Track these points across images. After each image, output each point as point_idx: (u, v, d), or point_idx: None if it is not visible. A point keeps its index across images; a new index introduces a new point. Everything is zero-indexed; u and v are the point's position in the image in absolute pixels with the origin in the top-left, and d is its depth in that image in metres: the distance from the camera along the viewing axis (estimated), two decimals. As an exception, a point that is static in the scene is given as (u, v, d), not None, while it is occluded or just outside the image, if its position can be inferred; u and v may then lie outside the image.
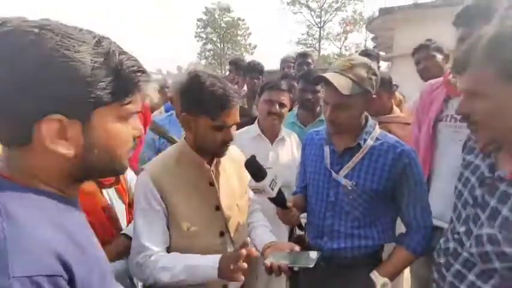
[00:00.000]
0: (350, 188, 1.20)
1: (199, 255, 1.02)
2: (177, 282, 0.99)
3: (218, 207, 1.13)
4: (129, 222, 1.25)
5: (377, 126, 1.26)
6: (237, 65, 3.32)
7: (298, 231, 1.66)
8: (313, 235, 1.33)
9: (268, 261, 1.06)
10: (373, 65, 1.16)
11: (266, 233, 1.25)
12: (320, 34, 27.96)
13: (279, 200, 1.19)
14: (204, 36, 28.79)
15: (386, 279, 1.18)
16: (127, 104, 0.54)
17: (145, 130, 2.66)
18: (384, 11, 9.92)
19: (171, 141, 1.89)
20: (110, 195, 1.20)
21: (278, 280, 1.81)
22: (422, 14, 7.67)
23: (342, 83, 1.09)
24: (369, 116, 1.28)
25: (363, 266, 1.24)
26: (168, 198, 1.05)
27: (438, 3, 7.76)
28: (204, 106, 1.02)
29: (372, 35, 13.05)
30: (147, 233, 1.02)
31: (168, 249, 1.07)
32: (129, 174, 1.33)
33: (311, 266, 1.00)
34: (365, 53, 2.72)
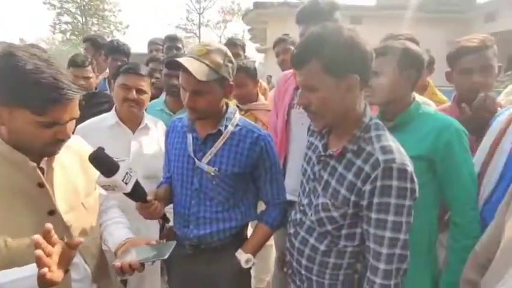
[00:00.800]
0: (213, 174, 1.22)
1: (13, 269, 0.79)
2: None
3: (53, 212, 0.93)
4: None
5: (237, 113, 1.31)
6: (94, 43, 2.85)
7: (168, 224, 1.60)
8: (180, 224, 1.31)
9: (117, 262, 0.96)
10: (229, 52, 1.18)
11: (120, 230, 1.12)
12: (200, 20, 27.63)
13: (136, 195, 1.09)
14: (58, 4, 23.59)
15: (249, 255, 1.27)
16: None
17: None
18: (258, 5, 10.60)
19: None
20: None
21: (151, 279, 1.73)
22: (291, 12, 8.61)
23: (198, 69, 1.07)
24: (229, 103, 1.31)
25: (229, 247, 1.29)
26: None
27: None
28: (23, 97, 0.77)
29: (248, 27, 13.77)
30: None
31: None
32: None
33: (165, 257, 0.96)
34: (231, 41, 2.80)
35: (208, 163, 1.23)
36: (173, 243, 1.02)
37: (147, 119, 1.66)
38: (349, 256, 1.00)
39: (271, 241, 2.25)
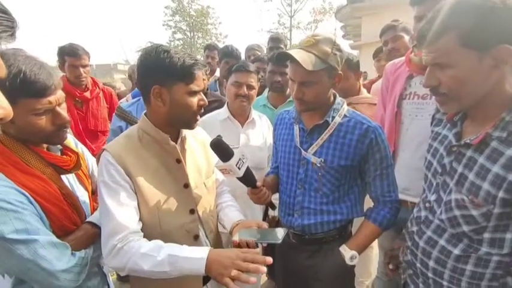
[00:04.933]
0: (319, 165, 1.21)
1: (185, 246, 0.95)
2: (157, 273, 0.91)
3: (187, 185, 1.10)
4: (93, 210, 1.18)
5: (345, 104, 1.27)
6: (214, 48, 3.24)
7: (270, 211, 1.67)
8: (285, 213, 1.35)
9: (236, 238, 1.05)
10: (338, 41, 1.16)
11: (234, 212, 1.24)
12: (291, 23, 28.01)
13: (247, 179, 1.17)
14: (173, 24, 27.75)
15: (354, 252, 1.21)
16: None
17: (110, 117, 2.54)
18: (352, 0, 10.08)
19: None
20: (70, 182, 1.11)
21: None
22: (387, 3, 7.95)
23: (305, 59, 1.08)
24: (337, 94, 1.28)
25: (333, 240, 1.27)
26: (133, 176, 0.99)
27: (402, -8, 8.06)
28: (177, 73, 0.98)
29: (341, 24, 13.24)
30: (120, 212, 0.95)
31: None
32: (90, 160, 1.25)
33: (278, 242, 1.00)
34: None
35: (315, 154, 1.23)
36: (285, 230, 1.05)
37: (254, 114, 1.78)
38: (495, 266, 0.84)
39: (373, 243, 2.10)
